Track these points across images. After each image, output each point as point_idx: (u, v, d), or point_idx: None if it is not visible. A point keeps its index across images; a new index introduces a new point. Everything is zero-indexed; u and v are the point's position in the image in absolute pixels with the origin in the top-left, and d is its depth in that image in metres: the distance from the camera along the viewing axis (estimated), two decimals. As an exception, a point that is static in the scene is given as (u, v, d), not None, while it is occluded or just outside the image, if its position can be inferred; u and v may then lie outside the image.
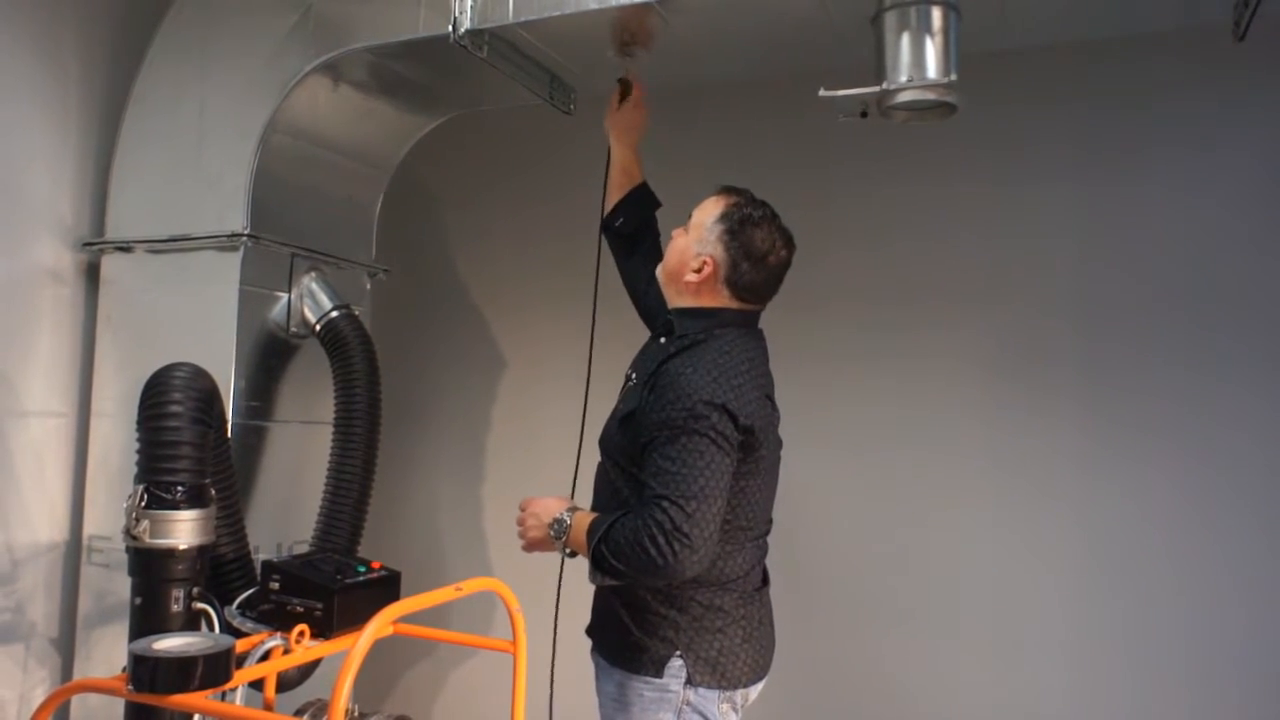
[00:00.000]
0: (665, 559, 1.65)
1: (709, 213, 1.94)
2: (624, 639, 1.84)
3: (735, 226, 1.89)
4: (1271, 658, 2.47)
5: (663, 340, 1.97)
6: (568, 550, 1.87)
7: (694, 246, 1.92)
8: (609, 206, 2.36)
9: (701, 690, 1.79)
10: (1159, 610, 2.57)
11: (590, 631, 1.98)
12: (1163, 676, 2.56)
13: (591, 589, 1.92)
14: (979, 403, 2.78)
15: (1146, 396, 2.61)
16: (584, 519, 1.83)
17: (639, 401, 1.84)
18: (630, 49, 2.32)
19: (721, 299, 1.92)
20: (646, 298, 2.22)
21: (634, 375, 1.98)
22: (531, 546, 1.93)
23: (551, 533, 1.86)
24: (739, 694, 1.85)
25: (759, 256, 1.89)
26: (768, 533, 1.96)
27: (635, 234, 2.33)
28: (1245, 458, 2.52)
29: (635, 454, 1.82)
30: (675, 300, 1.98)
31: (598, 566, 1.76)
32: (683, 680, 1.79)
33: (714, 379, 1.76)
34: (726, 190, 1.97)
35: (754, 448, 1.80)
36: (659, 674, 1.79)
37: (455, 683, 3.38)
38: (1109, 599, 2.62)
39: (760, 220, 1.90)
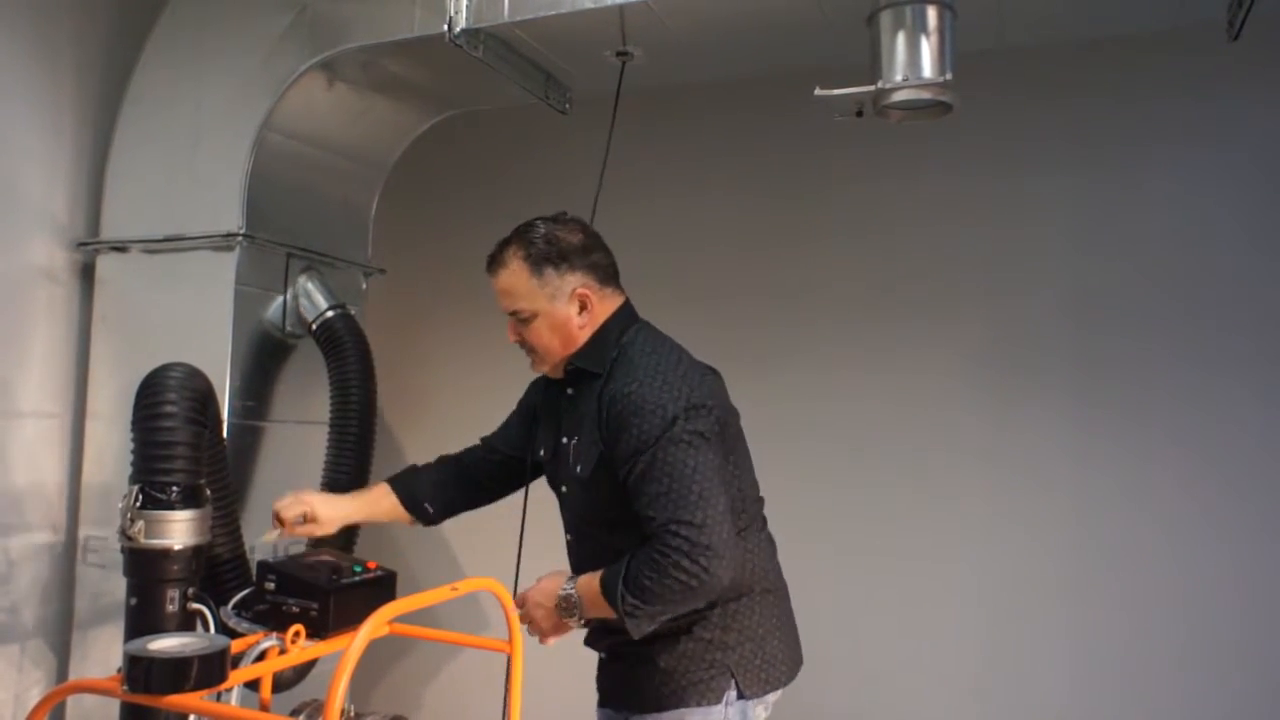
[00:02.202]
0: (699, 578, 1.57)
1: (521, 276, 1.80)
2: (666, 684, 1.75)
3: (552, 253, 1.79)
4: (1270, 649, 2.48)
5: (569, 392, 1.87)
6: (582, 622, 1.75)
7: (556, 306, 1.80)
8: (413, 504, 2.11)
9: (743, 701, 1.76)
10: (1156, 602, 2.58)
11: (614, 696, 1.85)
12: (1160, 669, 2.56)
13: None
14: (975, 397, 2.78)
15: (1143, 391, 2.63)
16: (589, 584, 1.70)
17: (599, 449, 1.74)
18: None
19: (608, 305, 1.84)
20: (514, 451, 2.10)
21: (568, 439, 1.84)
22: (550, 635, 1.78)
23: (562, 614, 1.72)
24: (771, 695, 1.83)
25: (586, 245, 1.82)
26: (762, 506, 1.90)
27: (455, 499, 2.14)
28: (1241, 452, 2.53)
29: (618, 499, 1.71)
30: (573, 354, 1.85)
31: (634, 617, 1.63)
32: (732, 697, 1.75)
33: (661, 384, 1.69)
34: (503, 250, 1.84)
35: (726, 425, 1.76)
36: (716, 700, 1.73)
37: (450, 682, 3.37)
38: (1106, 592, 2.63)
39: (547, 230, 1.81)
